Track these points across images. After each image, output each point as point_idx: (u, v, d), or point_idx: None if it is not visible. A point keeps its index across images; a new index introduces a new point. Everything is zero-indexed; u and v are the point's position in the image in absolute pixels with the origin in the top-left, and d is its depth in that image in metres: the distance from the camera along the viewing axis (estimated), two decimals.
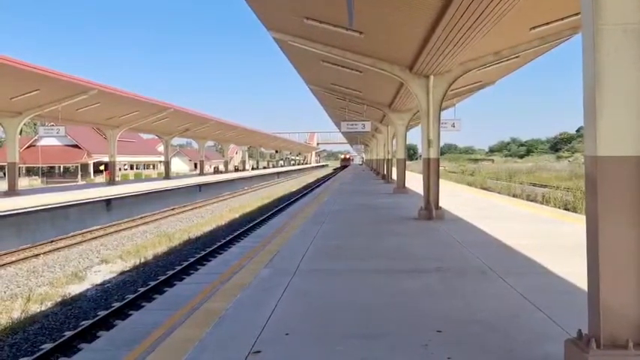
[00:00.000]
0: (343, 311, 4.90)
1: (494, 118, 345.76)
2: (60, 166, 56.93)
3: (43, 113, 22.22)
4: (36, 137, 52.24)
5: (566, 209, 18.26)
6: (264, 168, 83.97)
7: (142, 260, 14.13)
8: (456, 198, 18.01)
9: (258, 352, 3.85)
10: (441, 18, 8.53)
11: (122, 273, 12.85)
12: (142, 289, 10.65)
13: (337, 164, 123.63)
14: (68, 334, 8.02)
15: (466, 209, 13.82)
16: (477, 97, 29.42)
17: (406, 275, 6.37)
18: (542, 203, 20.67)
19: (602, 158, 3.18)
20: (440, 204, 12.22)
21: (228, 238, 16.92)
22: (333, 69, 14.90)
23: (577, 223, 10.58)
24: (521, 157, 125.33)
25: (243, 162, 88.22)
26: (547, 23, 9.91)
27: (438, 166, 12.46)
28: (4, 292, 11.03)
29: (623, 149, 3.16)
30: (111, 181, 32.50)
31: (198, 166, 52.55)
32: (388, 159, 31.45)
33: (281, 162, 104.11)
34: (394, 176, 25.34)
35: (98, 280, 12.19)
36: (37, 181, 47.88)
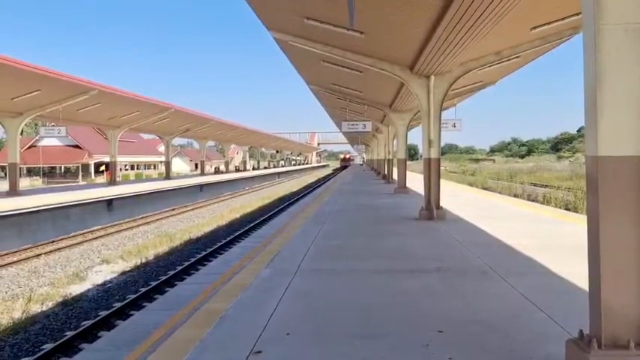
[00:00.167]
0: (344, 311, 4.90)
1: (495, 118, 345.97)
2: (61, 167, 57.00)
3: (44, 113, 22.24)
4: (37, 137, 52.30)
5: (567, 209, 18.24)
6: (265, 168, 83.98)
7: (143, 260, 14.14)
8: (457, 198, 18.00)
9: (259, 352, 3.85)
10: (442, 18, 8.52)
11: (123, 273, 12.85)
12: (143, 289, 10.66)
13: (337, 164, 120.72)
14: (69, 334, 8.02)
15: (467, 209, 13.82)
16: (477, 97, 29.43)
17: (407, 275, 6.37)
18: (543, 203, 20.66)
19: (603, 158, 3.18)
20: (441, 204, 12.21)
21: (229, 239, 16.93)
22: (333, 69, 14.89)
23: (578, 223, 10.57)
24: (522, 157, 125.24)
25: (244, 162, 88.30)
26: (548, 23, 9.90)
27: (439, 166, 12.45)
28: (6, 293, 11.04)
29: (624, 149, 3.16)
30: (112, 182, 32.52)
31: (199, 166, 52.58)
32: (389, 159, 31.44)
33: (282, 162, 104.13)
34: (395, 176, 25.32)
35: (99, 280, 12.19)
36: (38, 182, 47.92)
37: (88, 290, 11.25)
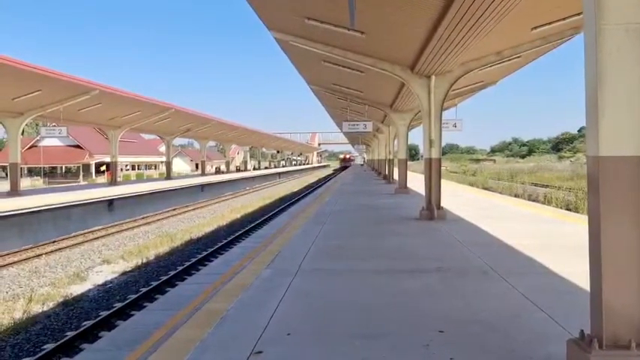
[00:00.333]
0: (344, 311, 4.90)
1: (496, 118, 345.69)
2: (62, 167, 57.06)
3: (45, 114, 22.26)
4: (38, 138, 52.37)
5: (567, 209, 18.22)
6: (266, 168, 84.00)
7: (144, 260, 14.15)
8: (458, 198, 17.99)
9: (260, 352, 3.85)
10: (443, 18, 8.52)
11: (124, 273, 12.86)
12: (143, 290, 10.66)
13: (338, 165, 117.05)
14: (70, 334, 8.03)
15: (468, 209, 13.81)
16: (478, 97, 29.49)
17: (407, 275, 6.36)
18: (543, 203, 20.64)
19: (604, 158, 3.18)
20: (441, 204, 12.21)
21: (229, 239, 16.93)
22: (334, 69, 14.90)
23: (578, 223, 10.56)
24: (523, 157, 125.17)
25: (245, 162, 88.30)
26: (549, 23, 9.89)
27: (440, 166, 12.45)
28: (6, 293, 11.05)
29: (626, 149, 3.16)
30: (112, 182, 32.54)
31: (200, 166, 52.59)
32: (390, 159, 31.43)
33: (282, 162, 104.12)
34: (396, 176, 25.32)
35: (100, 280, 12.20)
36: (39, 182, 47.95)
37: (89, 290, 11.26)
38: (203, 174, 48.98)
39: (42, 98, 20.02)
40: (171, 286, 10.39)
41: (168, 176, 39.68)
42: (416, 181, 22.68)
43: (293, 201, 30.58)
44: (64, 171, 57.10)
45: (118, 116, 27.63)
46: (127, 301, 9.76)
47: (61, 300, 10.27)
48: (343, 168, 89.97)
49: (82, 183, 45.49)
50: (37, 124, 58.24)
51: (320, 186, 41.13)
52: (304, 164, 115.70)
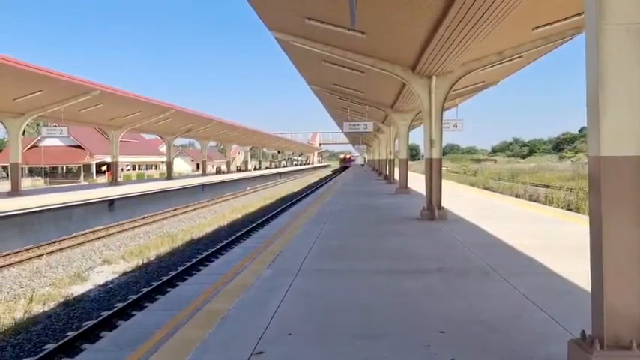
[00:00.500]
0: (345, 311, 4.90)
1: (497, 118, 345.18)
2: (63, 167, 57.11)
3: (46, 114, 22.28)
4: (39, 138, 52.46)
5: (568, 209, 18.22)
6: (267, 168, 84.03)
7: (145, 261, 14.16)
8: (459, 198, 17.99)
9: (261, 352, 3.85)
10: (444, 18, 8.52)
11: (125, 273, 12.87)
12: (144, 290, 10.67)
13: (338, 165, 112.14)
14: (71, 334, 8.04)
15: (468, 209, 13.81)
16: (479, 97, 29.44)
17: (408, 275, 6.36)
18: (544, 204, 20.64)
19: (606, 158, 3.18)
20: (442, 204, 12.20)
21: (230, 239, 16.94)
22: (334, 69, 14.90)
23: (579, 224, 10.55)
24: (524, 157, 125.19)
25: (246, 162, 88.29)
26: (550, 23, 9.89)
27: (441, 167, 12.44)
28: (8, 293, 11.06)
29: (627, 149, 3.16)
30: (113, 182, 32.56)
31: (201, 166, 52.61)
32: (390, 159, 31.42)
33: (283, 162, 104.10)
34: (396, 177, 25.32)
35: (101, 280, 12.21)
36: (40, 182, 48.00)
37: (90, 290, 11.27)
38: (204, 174, 49.00)
39: (43, 98, 20.04)
40: (172, 286, 10.40)
41: (169, 176, 39.70)
42: (417, 182, 22.68)
43: (294, 201, 30.59)
44: (64, 171, 57.16)
45: (119, 116, 27.65)
46: (128, 301, 9.77)
47: (62, 300, 10.29)
48: (343, 169, 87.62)
49: (83, 183, 45.54)
50: (38, 125, 58.31)
51: (321, 186, 41.14)
52: (305, 164, 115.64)
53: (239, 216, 24.81)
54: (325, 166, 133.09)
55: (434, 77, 12.16)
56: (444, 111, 12.59)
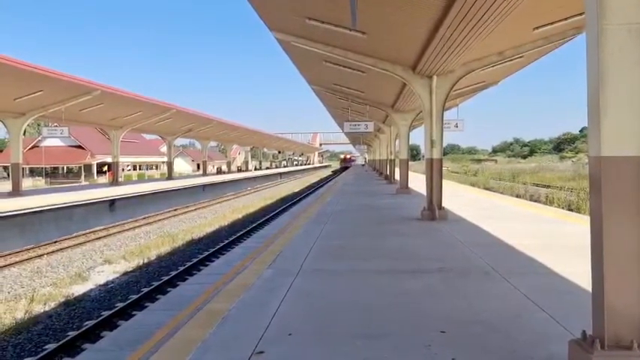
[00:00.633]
0: (346, 311, 4.90)
1: (498, 118, 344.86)
2: (63, 167, 57.15)
3: (47, 114, 22.30)
4: (39, 138, 52.51)
5: (569, 209, 18.21)
6: (267, 168, 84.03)
7: (146, 261, 14.17)
8: (459, 198, 17.98)
9: (262, 352, 3.85)
10: (444, 18, 8.52)
11: (125, 273, 12.87)
12: (145, 290, 10.68)
13: (338, 165, 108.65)
14: (72, 334, 8.04)
15: (469, 210, 13.81)
16: (480, 97, 29.40)
17: (409, 275, 6.36)
18: (545, 204, 20.63)
19: (607, 158, 3.17)
20: (443, 204, 12.20)
21: (231, 239, 16.95)
22: (335, 69, 14.90)
23: (580, 224, 10.55)
24: (525, 157, 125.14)
25: (246, 162, 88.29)
26: (551, 23, 9.88)
27: (441, 167, 12.44)
28: (8, 293, 11.07)
29: (628, 149, 3.15)
30: (114, 182, 32.58)
31: (201, 166, 52.62)
32: (391, 159, 31.42)
33: (284, 162, 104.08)
34: (397, 177, 25.31)
35: (101, 280, 12.21)
36: (40, 182, 48.04)
37: (91, 290, 11.27)
38: (204, 174, 49.01)
39: (43, 98, 20.05)
40: (173, 286, 10.40)
41: (170, 176, 39.72)
42: (417, 182, 22.68)
43: (294, 201, 30.60)
44: (65, 171, 57.20)
45: (120, 116, 27.68)
46: (129, 301, 9.77)
47: (62, 300, 10.29)
48: (343, 169, 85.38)
49: (84, 183, 45.56)
50: (38, 125, 58.34)
51: (321, 186, 41.14)
52: (306, 164, 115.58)
53: (240, 216, 24.81)
54: (326, 166, 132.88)
55: (434, 77, 12.16)
56: (444, 111, 12.58)
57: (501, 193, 26.72)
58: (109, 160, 41.24)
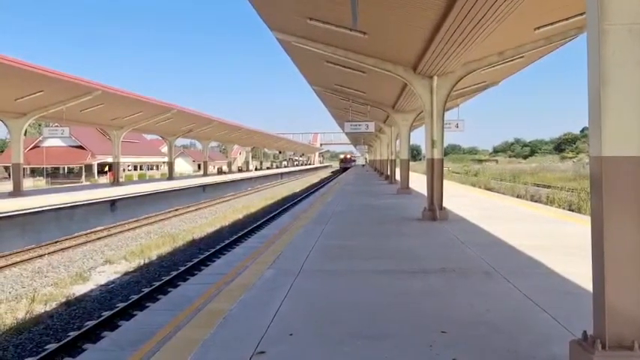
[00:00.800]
0: (347, 312, 4.90)
1: (498, 118, 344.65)
2: (64, 167, 57.19)
3: (48, 114, 22.34)
4: (40, 138, 52.59)
5: (570, 210, 18.20)
6: (268, 168, 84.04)
7: (146, 261, 14.17)
8: (460, 198, 17.97)
9: (263, 352, 3.86)
10: (445, 18, 8.52)
11: (126, 273, 12.88)
12: (146, 290, 10.68)
13: (337, 166, 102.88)
14: (73, 334, 8.04)
15: (470, 210, 13.80)
16: (480, 97, 29.39)
17: (410, 276, 6.36)
18: (546, 204, 20.62)
19: (607, 158, 3.17)
20: (444, 204, 12.20)
21: (231, 239, 16.94)
22: (336, 69, 14.90)
23: (581, 224, 10.55)
24: (525, 157, 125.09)
25: (247, 163, 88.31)
26: (552, 23, 9.88)
27: (442, 167, 12.44)
28: (9, 293, 11.08)
29: (629, 149, 3.15)
30: (115, 182, 32.61)
31: (202, 166, 52.65)
32: (392, 159, 31.41)
33: (284, 162, 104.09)
34: (398, 177, 25.31)
35: (102, 280, 12.22)
36: (41, 182, 48.07)
37: (92, 290, 11.28)
38: (205, 174, 49.03)
39: (44, 99, 20.08)
40: (174, 286, 10.40)
41: (171, 177, 39.75)
42: (418, 182, 22.67)
43: (295, 201, 30.59)
44: (66, 171, 57.23)
45: (121, 117, 27.71)
46: (130, 302, 9.77)
47: (63, 300, 10.29)
48: (343, 170, 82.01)
49: (85, 183, 45.59)
50: (39, 125, 58.41)
51: (322, 186, 41.14)
52: (306, 165, 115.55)
53: (240, 216, 24.81)
54: (326, 166, 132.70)
55: (435, 77, 12.16)
56: (445, 111, 12.58)
57: (502, 193, 26.71)
58: (109, 160, 41.26)
